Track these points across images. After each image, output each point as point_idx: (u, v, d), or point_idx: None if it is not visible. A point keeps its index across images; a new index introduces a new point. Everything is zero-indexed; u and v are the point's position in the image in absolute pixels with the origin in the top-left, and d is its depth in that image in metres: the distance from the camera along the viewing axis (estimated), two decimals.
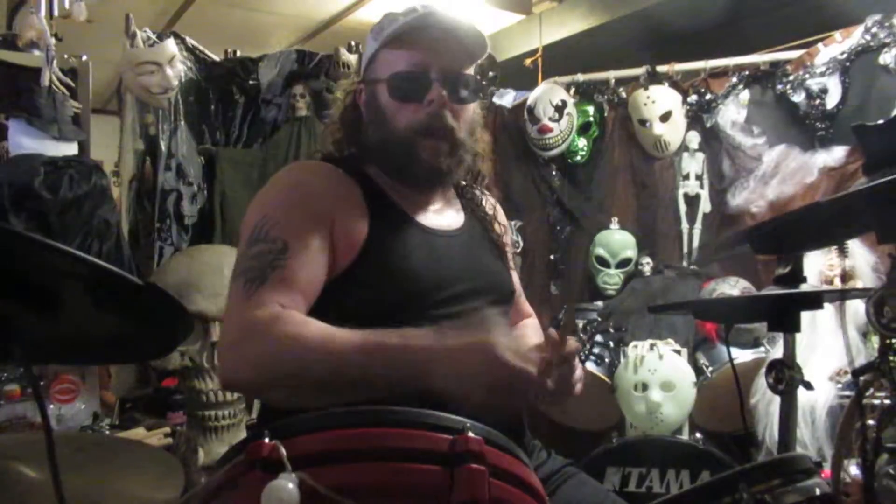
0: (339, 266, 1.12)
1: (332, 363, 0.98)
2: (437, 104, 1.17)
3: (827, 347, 2.10)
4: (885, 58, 2.64)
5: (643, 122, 3.03)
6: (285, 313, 1.02)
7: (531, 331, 1.45)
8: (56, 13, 2.56)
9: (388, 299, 1.12)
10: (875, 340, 1.86)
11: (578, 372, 1.12)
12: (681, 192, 3.05)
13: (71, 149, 2.50)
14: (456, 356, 0.93)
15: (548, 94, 3.14)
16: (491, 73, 3.40)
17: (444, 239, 1.24)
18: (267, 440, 0.70)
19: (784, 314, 1.32)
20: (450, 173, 1.23)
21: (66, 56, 2.58)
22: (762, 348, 2.46)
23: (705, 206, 3.03)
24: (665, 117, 2.99)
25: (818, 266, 2.36)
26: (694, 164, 3.04)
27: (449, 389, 0.92)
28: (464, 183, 1.37)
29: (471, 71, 1.25)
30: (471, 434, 0.72)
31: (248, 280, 1.06)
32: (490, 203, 1.42)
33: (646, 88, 3.03)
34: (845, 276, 2.31)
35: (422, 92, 1.18)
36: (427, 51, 1.18)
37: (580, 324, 2.79)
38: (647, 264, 2.97)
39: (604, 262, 3.04)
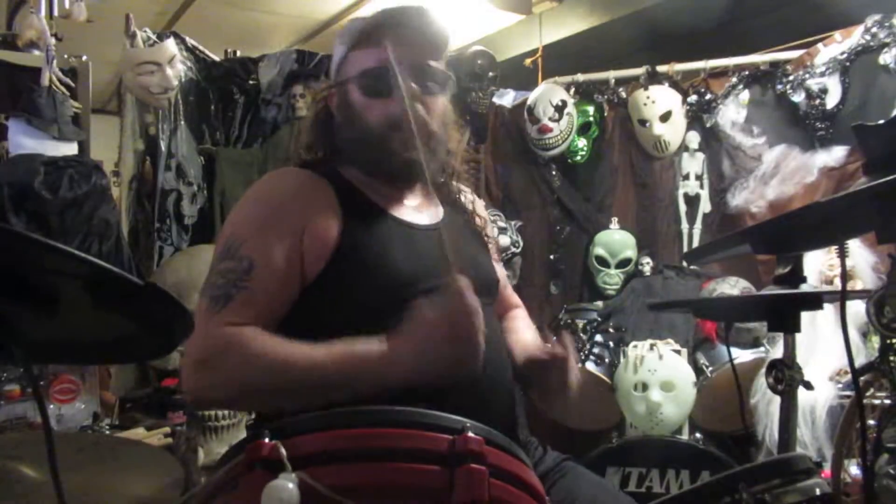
0: (316, 269, 1.14)
1: (296, 376, 1.02)
2: (408, 97, 1.19)
3: (827, 347, 2.10)
4: (885, 58, 2.64)
5: (643, 122, 3.03)
6: (245, 332, 1.06)
7: (521, 321, 1.46)
8: (56, 13, 2.57)
9: (370, 294, 1.14)
10: (875, 340, 1.86)
11: (574, 373, 1.20)
12: (681, 192, 3.05)
13: (71, 149, 2.50)
14: (410, 343, 1.01)
15: (548, 94, 3.14)
16: (491, 73, 3.40)
17: (423, 232, 1.25)
18: (267, 440, 0.70)
19: (784, 314, 1.32)
20: (425, 165, 1.23)
21: (66, 56, 2.58)
22: (762, 348, 2.46)
23: (705, 206, 3.03)
24: (665, 117, 2.99)
25: (818, 266, 2.36)
26: (694, 164, 3.04)
27: (417, 373, 1.00)
28: (441, 180, 1.37)
29: (438, 63, 1.26)
30: (471, 434, 0.72)
31: (212, 298, 1.10)
32: (468, 196, 1.43)
33: (646, 88, 3.03)
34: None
35: (390, 86, 1.20)
36: (396, 46, 1.19)
37: (580, 324, 2.79)
38: (647, 264, 2.97)
39: (604, 262, 3.04)
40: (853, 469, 1.81)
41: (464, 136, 1.38)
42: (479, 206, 1.45)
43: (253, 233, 1.15)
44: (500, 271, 1.46)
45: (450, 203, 1.38)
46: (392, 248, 1.18)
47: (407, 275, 1.16)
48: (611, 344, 2.72)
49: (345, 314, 1.13)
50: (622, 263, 3.02)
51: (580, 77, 3.24)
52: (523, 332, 1.41)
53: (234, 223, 1.20)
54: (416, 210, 1.29)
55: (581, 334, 2.73)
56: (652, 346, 2.49)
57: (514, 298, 1.53)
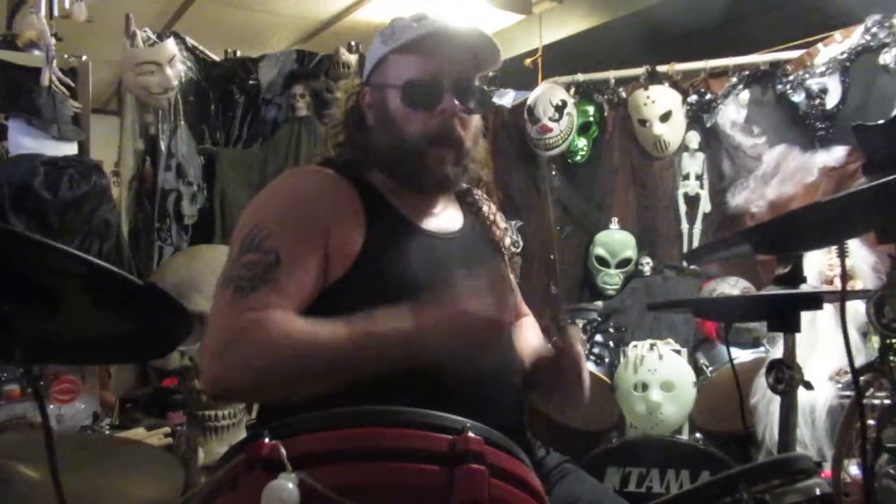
0: (336, 273, 1.13)
1: (321, 356, 1.00)
2: (449, 114, 1.18)
3: (827, 347, 2.10)
4: (885, 58, 2.64)
5: (643, 122, 3.03)
6: (269, 315, 1.03)
7: (529, 329, 1.46)
8: (56, 13, 2.56)
9: (388, 304, 1.11)
10: (875, 340, 1.86)
11: (584, 366, 1.20)
12: (681, 192, 3.05)
13: (71, 149, 2.50)
14: (436, 328, 0.99)
15: (548, 94, 3.14)
16: (491, 73, 3.39)
17: (443, 241, 1.25)
18: (267, 440, 0.70)
19: (784, 314, 1.32)
20: (455, 181, 1.24)
21: (66, 56, 2.58)
22: (762, 348, 2.46)
23: (705, 206, 3.03)
24: (665, 117, 2.99)
25: (818, 266, 2.36)
26: (694, 164, 3.04)
27: (439, 360, 0.98)
28: (465, 186, 1.37)
29: (478, 80, 1.25)
30: (471, 434, 0.72)
31: (236, 289, 1.06)
32: (489, 207, 1.43)
33: (646, 88, 3.03)
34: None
35: (434, 101, 1.19)
36: (440, 60, 1.19)
37: (580, 324, 2.79)
38: (647, 264, 2.97)
39: (604, 262, 3.04)
40: (853, 469, 1.81)
41: (484, 145, 1.36)
42: (499, 217, 1.44)
43: (279, 226, 1.11)
44: (513, 281, 1.46)
45: (472, 212, 1.37)
46: (413, 260, 1.17)
47: (426, 286, 1.14)
48: (611, 344, 2.72)
49: (355, 311, 1.12)
50: (622, 263, 3.02)
51: (580, 77, 3.24)
52: (530, 337, 1.40)
53: (255, 215, 1.15)
54: (438, 217, 1.28)
55: (581, 334, 2.73)
56: (652, 346, 2.49)
57: (523, 307, 1.52)
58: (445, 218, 1.29)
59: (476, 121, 1.25)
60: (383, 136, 1.22)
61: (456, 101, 1.18)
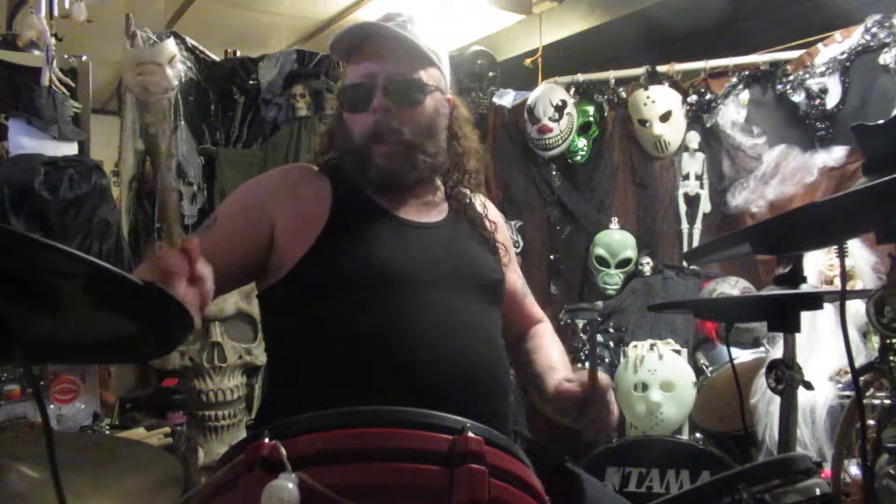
0: (301, 247, 1.19)
1: None
2: (381, 111, 1.23)
3: (827, 347, 2.10)
4: (885, 58, 2.64)
5: (643, 122, 3.03)
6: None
7: (546, 339, 1.44)
8: (56, 13, 2.57)
9: (350, 277, 1.17)
10: (875, 340, 1.86)
11: (614, 407, 1.18)
12: (681, 192, 3.05)
13: (71, 149, 2.50)
14: None
15: (548, 94, 3.14)
16: (491, 73, 3.40)
17: (418, 230, 1.27)
18: (267, 440, 0.70)
19: (784, 314, 1.32)
20: (404, 175, 1.26)
21: (66, 56, 2.58)
22: (762, 348, 2.46)
23: (705, 206, 3.03)
24: (665, 117, 2.99)
25: (818, 266, 2.36)
26: (694, 164, 3.04)
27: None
28: (453, 182, 1.37)
29: (422, 74, 1.26)
30: (471, 434, 0.72)
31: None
32: (480, 200, 1.43)
33: (646, 88, 3.03)
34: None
35: (366, 101, 1.24)
36: (371, 62, 1.25)
37: (580, 324, 2.78)
38: (647, 264, 2.98)
39: (604, 262, 3.04)
40: (853, 469, 1.81)
41: (476, 139, 1.39)
42: (492, 210, 1.44)
43: (229, 204, 1.31)
44: (517, 281, 1.45)
45: (458, 207, 1.36)
46: (376, 238, 1.21)
47: (386, 263, 1.18)
48: (611, 344, 2.72)
49: (328, 293, 1.17)
50: (622, 263, 3.02)
51: (580, 77, 3.24)
52: (550, 351, 1.38)
53: (225, 200, 1.34)
54: (416, 209, 1.30)
55: (581, 334, 2.73)
56: (652, 346, 2.49)
57: (537, 311, 1.50)
58: (425, 210, 1.31)
59: (426, 113, 1.26)
60: (341, 140, 1.31)
61: (387, 98, 1.22)
